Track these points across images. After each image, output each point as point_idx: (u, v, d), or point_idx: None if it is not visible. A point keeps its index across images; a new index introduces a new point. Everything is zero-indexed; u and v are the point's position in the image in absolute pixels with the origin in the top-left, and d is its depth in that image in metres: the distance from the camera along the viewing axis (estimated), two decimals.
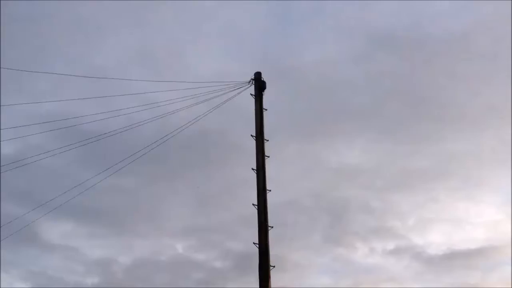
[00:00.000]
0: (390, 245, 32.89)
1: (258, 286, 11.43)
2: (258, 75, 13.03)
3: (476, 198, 32.83)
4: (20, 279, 40.56)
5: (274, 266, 11.47)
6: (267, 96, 13.14)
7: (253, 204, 12.04)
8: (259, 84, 12.95)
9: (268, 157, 12.43)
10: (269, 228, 11.82)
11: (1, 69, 15.49)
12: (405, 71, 33.42)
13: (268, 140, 12.58)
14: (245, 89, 13.12)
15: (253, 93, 13.00)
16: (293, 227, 30.98)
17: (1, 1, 28.50)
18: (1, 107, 16.30)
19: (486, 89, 33.05)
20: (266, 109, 12.85)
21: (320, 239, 33.49)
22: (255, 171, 12.30)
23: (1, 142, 15.88)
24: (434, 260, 30.35)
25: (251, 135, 12.64)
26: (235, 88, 13.31)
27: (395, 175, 33.42)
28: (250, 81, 13.09)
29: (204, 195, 35.35)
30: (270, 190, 12.15)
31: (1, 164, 14.95)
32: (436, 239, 32.11)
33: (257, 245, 11.66)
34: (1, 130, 15.13)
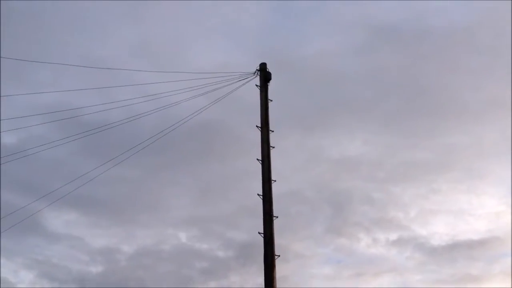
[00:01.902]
0: (393, 236, 33.07)
1: (262, 275, 11.52)
2: (263, 66, 13.06)
3: (478, 190, 33.09)
4: (25, 267, 40.71)
5: (279, 256, 11.53)
6: (269, 88, 13.19)
7: (258, 194, 12.09)
8: (264, 74, 12.98)
9: (274, 147, 12.50)
10: (274, 218, 11.89)
11: (2, 59, 15.45)
12: (407, 64, 33.58)
13: (273, 131, 12.64)
14: (250, 79, 13.16)
15: (258, 83, 13.04)
16: (296, 217, 31.18)
17: None
18: (2, 97, 16.31)
19: (488, 82, 33.28)
20: (271, 100, 12.90)
21: (322, 229, 33.70)
22: (260, 161, 12.36)
23: (2, 132, 15.89)
24: (436, 251, 30.56)
25: (256, 126, 12.67)
26: (240, 79, 13.35)
27: (397, 167, 33.66)
28: (255, 72, 13.13)
29: (207, 186, 35.56)
30: (275, 181, 12.21)
31: (3, 155, 14.99)
32: (439, 230, 32.33)
33: (262, 235, 11.72)
34: (3, 121, 15.14)
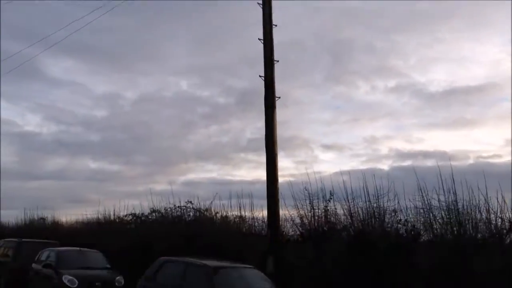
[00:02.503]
0: (391, 83, 33.96)
1: (262, 120, 11.96)
2: None
3: (482, 38, 33.15)
4: (30, 111, 42.31)
5: (279, 97, 11.89)
6: None
7: (258, 39, 12.14)
8: None
9: None
10: (275, 62, 12.06)
11: None
12: None
13: None
14: None
15: None
16: (296, 64, 31.68)
17: None
18: None
19: None
20: None
21: (321, 78, 34.68)
22: (261, 5, 12.23)
23: None
24: (433, 97, 31.56)
25: None
26: None
27: (400, 17, 33.45)
28: None
29: (205, 34, 35.37)
30: (276, 25, 12.20)
31: None
32: (437, 77, 33.06)
33: (263, 78, 11.97)
34: None
